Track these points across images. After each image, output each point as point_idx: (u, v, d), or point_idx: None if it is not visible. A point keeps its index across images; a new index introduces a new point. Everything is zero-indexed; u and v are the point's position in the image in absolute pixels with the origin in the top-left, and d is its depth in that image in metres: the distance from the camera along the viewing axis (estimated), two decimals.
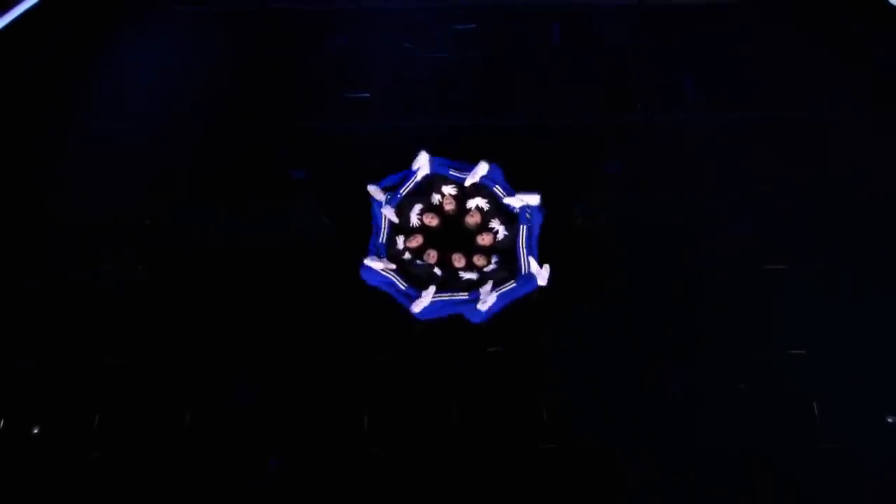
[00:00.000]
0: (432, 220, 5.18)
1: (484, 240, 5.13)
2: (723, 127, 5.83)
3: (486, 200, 5.26)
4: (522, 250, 5.05)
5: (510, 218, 5.20)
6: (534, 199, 5.16)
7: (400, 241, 5.14)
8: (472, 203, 5.26)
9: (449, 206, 5.26)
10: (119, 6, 6.53)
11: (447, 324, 4.83)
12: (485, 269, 5.06)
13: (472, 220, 5.21)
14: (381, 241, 5.16)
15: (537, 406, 4.74)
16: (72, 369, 4.89)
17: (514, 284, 4.90)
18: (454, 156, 5.50)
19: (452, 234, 5.26)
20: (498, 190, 5.26)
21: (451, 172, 5.33)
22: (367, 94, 6.05)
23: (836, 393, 4.74)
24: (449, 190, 5.27)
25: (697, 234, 5.32)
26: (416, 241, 5.11)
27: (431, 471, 4.58)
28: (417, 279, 4.97)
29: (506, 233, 5.13)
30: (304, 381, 4.85)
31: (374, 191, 5.27)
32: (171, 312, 5.09)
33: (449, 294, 4.88)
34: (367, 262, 4.97)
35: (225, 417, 4.74)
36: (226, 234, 5.36)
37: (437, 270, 5.00)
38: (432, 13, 6.50)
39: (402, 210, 5.25)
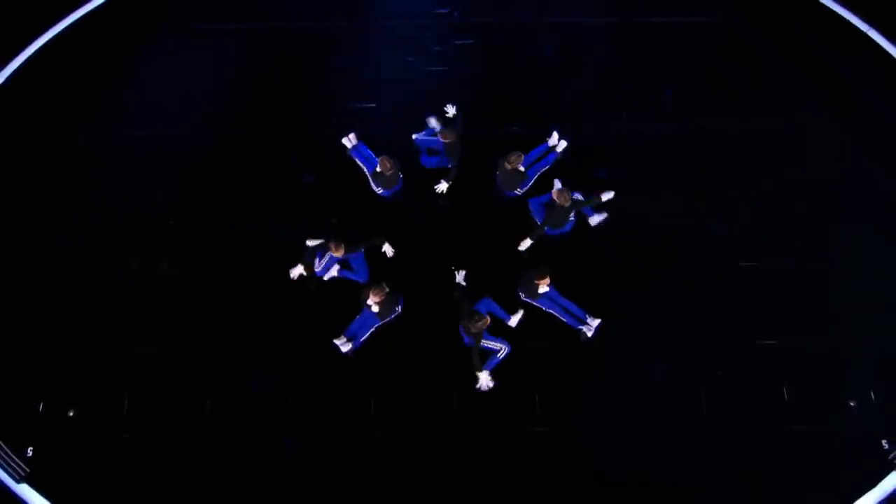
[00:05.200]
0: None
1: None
2: (700, 135, 6.11)
3: None
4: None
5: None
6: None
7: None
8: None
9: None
10: (145, 25, 6.80)
11: (449, 320, 5.07)
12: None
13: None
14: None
15: (531, 393, 5.02)
16: (102, 358, 5.18)
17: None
18: None
19: None
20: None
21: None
22: (373, 105, 6.33)
23: (804, 379, 5.05)
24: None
25: (678, 235, 5.62)
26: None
27: (432, 453, 4.86)
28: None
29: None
30: (316, 369, 5.11)
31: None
32: (192, 306, 5.38)
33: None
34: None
35: (243, 402, 5.03)
36: (242, 234, 5.63)
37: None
38: (433, 30, 6.77)
39: None
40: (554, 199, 5.25)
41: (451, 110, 5.96)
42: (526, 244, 5.41)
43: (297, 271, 5.31)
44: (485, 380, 4.94)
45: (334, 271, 5.35)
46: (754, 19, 6.78)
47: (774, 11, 6.80)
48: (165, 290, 5.47)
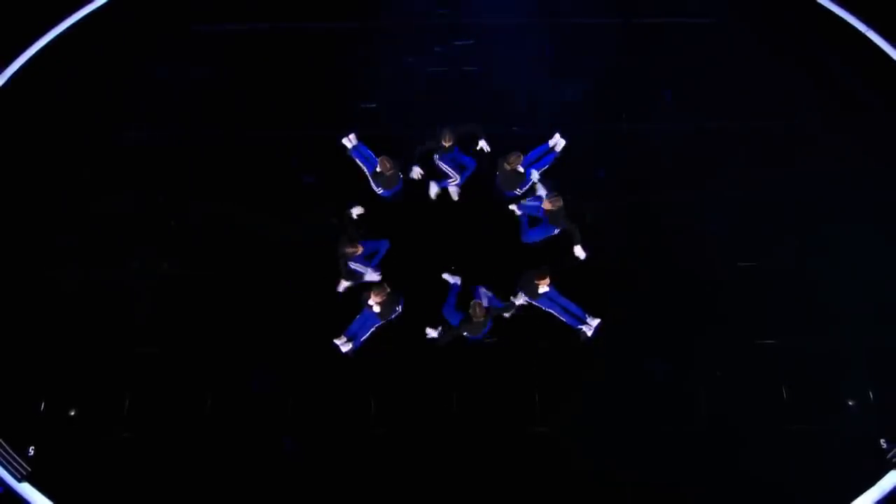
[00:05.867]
0: None
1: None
2: (699, 136, 6.12)
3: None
4: None
5: None
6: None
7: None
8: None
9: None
10: (147, 26, 6.79)
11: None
12: None
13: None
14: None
15: (531, 393, 5.06)
16: (103, 358, 5.21)
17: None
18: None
19: None
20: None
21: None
22: (374, 105, 6.34)
23: (803, 379, 5.07)
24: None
25: (677, 235, 5.64)
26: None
27: (432, 453, 4.89)
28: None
29: None
30: (316, 369, 5.14)
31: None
32: (193, 306, 5.41)
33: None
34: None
35: (243, 402, 5.06)
36: (243, 235, 5.66)
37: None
38: (433, 31, 6.76)
39: None
40: (549, 208, 5.26)
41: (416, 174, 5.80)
42: (580, 251, 5.36)
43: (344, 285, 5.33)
44: (520, 299, 5.11)
45: (374, 275, 5.29)
46: (754, 20, 6.79)
47: (774, 12, 6.81)
48: (166, 289, 5.50)
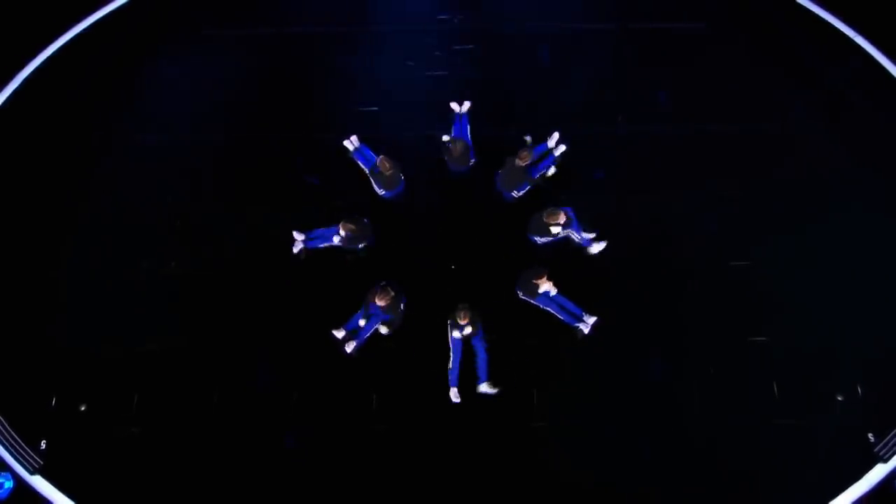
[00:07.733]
0: None
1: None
2: (694, 137, 6.21)
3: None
4: None
5: None
6: None
7: None
8: None
9: None
10: (156, 31, 6.89)
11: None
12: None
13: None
14: None
15: (529, 390, 5.15)
16: (113, 355, 5.31)
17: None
18: None
19: None
20: None
21: None
22: (376, 108, 6.43)
23: (793, 375, 5.17)
24: None
25: (672, 235, 5.72)
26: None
27: (432, 449, 4.98)
28: None
29: None
30: (319, 366, 5.24)
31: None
32: (200, 305, 5.51)
33: None
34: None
35: (249, 398, 5.16)
36: (247, 234, 5.76)
37: None
38: (434, 35, 6.86)
39: None
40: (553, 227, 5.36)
41: None
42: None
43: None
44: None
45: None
46: (747, 25, 6.87)
47: (766, 18, 6.90)
48: (173, 288, 5.59)
